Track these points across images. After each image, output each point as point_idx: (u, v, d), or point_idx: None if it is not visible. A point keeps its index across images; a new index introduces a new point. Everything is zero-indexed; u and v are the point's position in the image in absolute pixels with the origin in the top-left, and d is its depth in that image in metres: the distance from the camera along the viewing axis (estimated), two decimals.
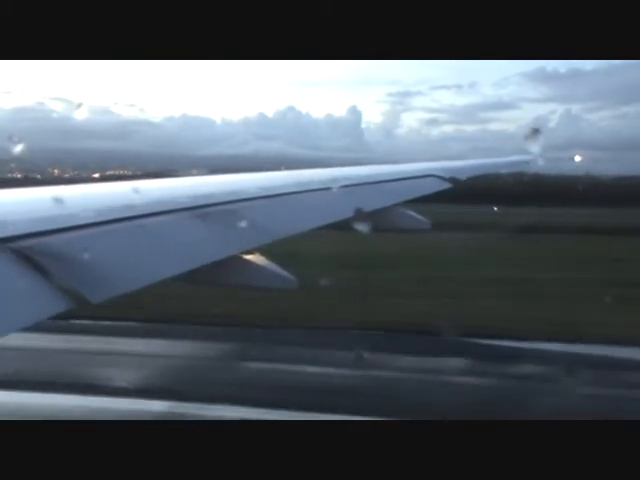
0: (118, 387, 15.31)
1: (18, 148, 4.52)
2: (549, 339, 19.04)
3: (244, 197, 4.74)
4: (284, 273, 4.26)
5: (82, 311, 2.93)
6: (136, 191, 3.82)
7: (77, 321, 18.28)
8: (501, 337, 19.37)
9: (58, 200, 3.27)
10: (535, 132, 5.18)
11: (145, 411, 13.46)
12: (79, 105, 5.09)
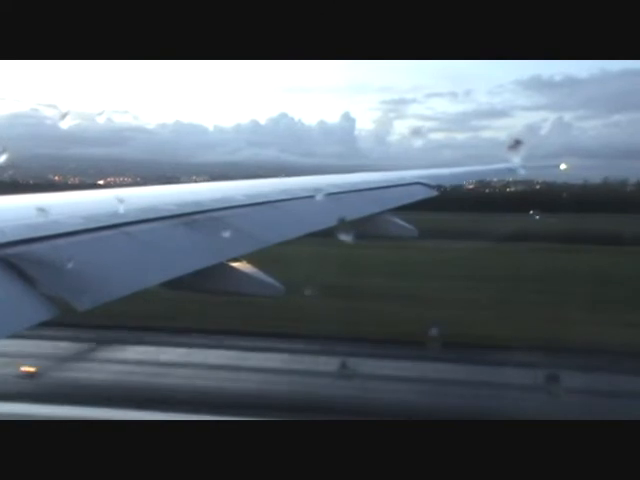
0: None
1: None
2: None
3: (231, 205, 4.75)
4: (271, 280, 4.29)
5: None
6: (123, 199, 3.84)
7: None
8: None
9: (44, 208, 3.27)
10: (517, 143, 5.27)
11: None
12: (64, 114, 5.07)
